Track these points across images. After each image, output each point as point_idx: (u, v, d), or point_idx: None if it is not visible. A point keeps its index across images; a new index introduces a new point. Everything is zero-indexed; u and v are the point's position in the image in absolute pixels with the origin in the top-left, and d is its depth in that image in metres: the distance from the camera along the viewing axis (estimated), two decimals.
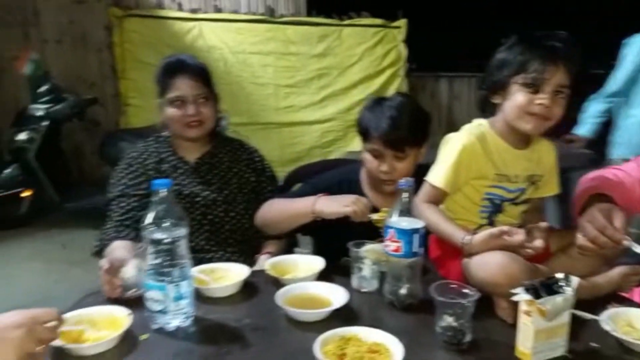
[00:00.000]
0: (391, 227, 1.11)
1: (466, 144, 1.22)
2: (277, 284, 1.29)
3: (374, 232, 1.32)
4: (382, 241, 1.18)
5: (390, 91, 5.00)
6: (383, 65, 4.96)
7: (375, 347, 0.95)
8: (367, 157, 1.48)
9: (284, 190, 1.80)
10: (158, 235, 1.04)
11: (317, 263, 1.35)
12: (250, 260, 1.51)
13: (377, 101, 1.48)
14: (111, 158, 4.01)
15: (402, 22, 4.94)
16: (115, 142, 3.94)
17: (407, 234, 1.09)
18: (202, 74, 1.59)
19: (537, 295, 0.91)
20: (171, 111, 1.55)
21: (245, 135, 1.81)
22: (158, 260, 1.04)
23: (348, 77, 4.93)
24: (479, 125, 1.27)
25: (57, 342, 0.93)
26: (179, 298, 1.05)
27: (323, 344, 0.94)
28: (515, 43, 1.21)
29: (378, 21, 4.96)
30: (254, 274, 1.32)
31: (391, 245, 1.11)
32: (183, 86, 1.53)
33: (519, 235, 1.07)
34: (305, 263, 1.38)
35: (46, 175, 3.84)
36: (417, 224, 1.11)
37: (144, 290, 1.07)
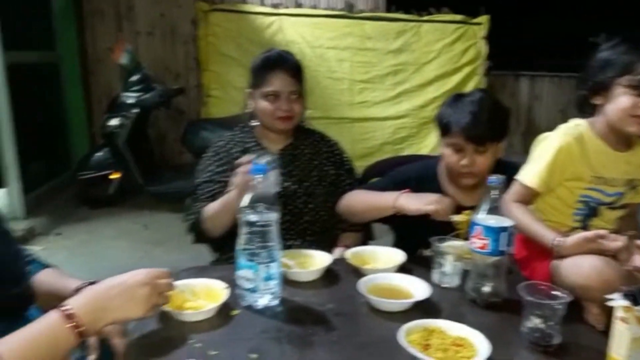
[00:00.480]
0: (478, 224, 1.10)
1: (562, 144, 1.19)
2: (357, 273, 1.32)
3: (453, 230, 1.33)
4: (467, 238, 1.18)
5: (468, 89, 4.89)
6: (461, 62, 4.84)
7: (459, 341, 0.96)
8: (447, 151, 1.49)
9: (361, 184, 1.83)
10: (252, 218, 1.10)
11: (397, 255, 1.37)
12: (327, 251, 1.55)
13: (457, 97, 1.50)
14: (192, 146, 4.21)
15: (484, 19, 4.79)
16: (197, 131, 4.11)
17: (494, 232, 1.08)
18: (298, 71, 1.63)
19: (636, 302, 0.88)
20: (264, 104, 1.61)
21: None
22: (251, 241, 1.10)
23: (424, 73, 4.86)
24: (576, 125, 1.23)
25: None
26: (268, 278, 1.11)
27: (407, 333, 0.96)
28: (619, 42, 1.16)
29: (458, 17, 4.83)
30: (335, 262, 1.36)
31: (477, 242, 1.11)
32: (279, 82, 1.59)
33: (618, 242, 1.03)
34: (385, 255, 1.40)
35: (133, 159, 4.07)
36: (506, 222, 1.10)
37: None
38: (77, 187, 4.24)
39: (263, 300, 1.12)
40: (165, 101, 4.05)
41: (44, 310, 0.91)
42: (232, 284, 1.15)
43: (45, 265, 1.18)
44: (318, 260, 1.35)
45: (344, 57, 4.74)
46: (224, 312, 1.10)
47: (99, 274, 1.12)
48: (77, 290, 1.13)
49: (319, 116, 4.39)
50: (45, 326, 0.84)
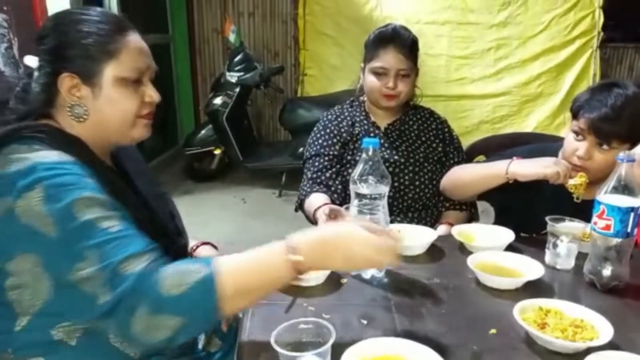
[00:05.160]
0: (602, 203, 1.04)
1: None
2: (463, 250, 1.32)
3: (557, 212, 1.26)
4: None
5: (579, 64, 4.56)
6: (573, 35, 4.48)
7: (578, 323, 0.92)
8: (570, 137, 1.38)
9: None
10: (362, 190, 1.12)
11: (505, 234, 1.34)
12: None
13: (608, 84, 1.34)
14: (288, 124, 4.33)
15: None
16: (293, 109, 4.22)
17: (620, 212, 1.02)
18: (411, 49, 1.60)
19: None
20: (371, 79, 1.61)
21: None
22: (361, 213, 1.13)
23: (529, 48, 4.57)
24: None
25: None
26: None
27: (521, 311, 0.94)
28: None
29: None
30: (439, 238, 1.36)
31: (600, 222, 1.05)
32: (389, 58, 1.57)
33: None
34: (492, 233, 1.37)
35: (233, 136, 4.25)
36: (634, 202, 1.03)
37: None
38: (183, 162, 4.54)
39: (370, 271, 1.15)
40: (265, 80, 4.18)
41: None
42: None
43: None
44: (422, 235, 1.35)
45: (443, 33, 4.59)
46: (334, 279, 1.14)
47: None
48: (192, 249, 1.24)
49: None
50: (267, 252, 0.85)
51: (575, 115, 1.37)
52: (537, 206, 1.41)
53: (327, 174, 1.64)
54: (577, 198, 1.31)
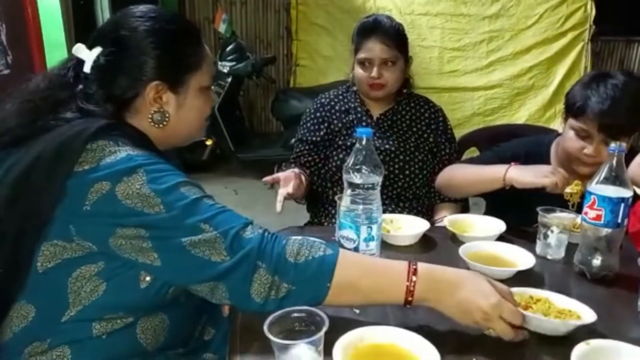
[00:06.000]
0: (593, 194, 1.05)
1: None
2: (455, 240, 1.32)
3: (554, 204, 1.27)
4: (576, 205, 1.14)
5: (571, 56, 4.58)
6: (565, 27, 4.50)
7: (566, 312, 0.93)
8: (570, 134, 1.37)
9: (459, 154, 1.79)
10: (355, 180, 1.12)
11: (497, 224, 1.34)
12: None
13: (597, 77, 1.34)
14: (281, 115, 4.32)
15: None
16: (286, 100, 4.21)
17: (611, 203, 1.03)
18: (395, 37, 1.59)
19: None
20: (358, 71, 1.62)
21: None
22: (354, 203, 1.13)
23: (521, 40, 4.59)
24: None
25: None
26: (369, 239, 1.13)
27: None
28: None
29: None
30: (431, 228, 1.36)
31: (591, 212, 1.06)
32: (372, 48, 1.57)
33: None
34: (484, 223, 1.38)
35: (225, 126, 4.23)
36: (625, 193, 1.03)
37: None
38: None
39: None
40: (257, 70, 4.16)
41: None
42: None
43: None
44: (415, 225, 1.35)
45: (436, 24, 4.59)
46: None
47: None
48: None
49: None
50: (390, 262, 0.89)
51: (576, 115, 1.34)
52: (531, 207, 1.41)
53: (302, 160, 1.69)
54: (573, 205, 1.30)
